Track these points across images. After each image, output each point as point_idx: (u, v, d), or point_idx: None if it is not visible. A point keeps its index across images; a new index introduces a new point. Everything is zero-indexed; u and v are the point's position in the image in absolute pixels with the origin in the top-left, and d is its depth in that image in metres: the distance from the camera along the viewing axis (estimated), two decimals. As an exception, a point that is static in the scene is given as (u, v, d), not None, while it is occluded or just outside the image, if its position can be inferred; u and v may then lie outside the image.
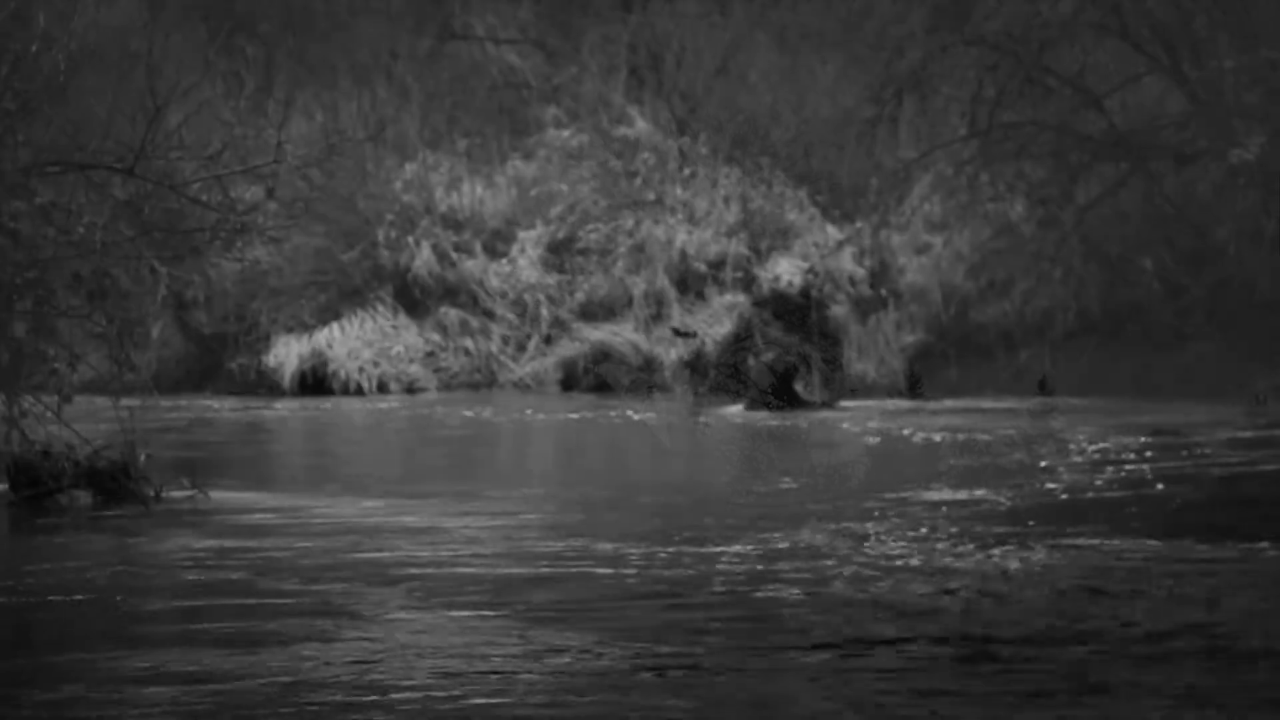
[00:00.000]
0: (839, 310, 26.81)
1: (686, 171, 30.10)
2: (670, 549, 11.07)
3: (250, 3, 35.04)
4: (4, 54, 13.87)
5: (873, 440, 19.32)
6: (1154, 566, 10.15)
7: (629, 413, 23.48)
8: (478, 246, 30.17)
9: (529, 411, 24.08)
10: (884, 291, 26.98)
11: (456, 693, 7.26)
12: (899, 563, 10.39)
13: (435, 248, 29.72)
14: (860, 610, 8.97)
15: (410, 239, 29.66)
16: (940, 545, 11.02)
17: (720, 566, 10.41)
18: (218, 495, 14.19)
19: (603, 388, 27.67)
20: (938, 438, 18.76)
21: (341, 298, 29.49)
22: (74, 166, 13.87)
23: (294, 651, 8.13)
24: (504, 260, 29.95)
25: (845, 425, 21.17)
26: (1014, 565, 10.24)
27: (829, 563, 10.42)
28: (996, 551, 10.73)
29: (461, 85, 34.28)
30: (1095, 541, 11.09)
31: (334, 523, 12.80)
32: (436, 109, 33.05)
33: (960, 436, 18.75)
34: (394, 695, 7.22)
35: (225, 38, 29.78)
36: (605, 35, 33.32)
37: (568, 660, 7.83)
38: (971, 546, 10.92)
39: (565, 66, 33.12)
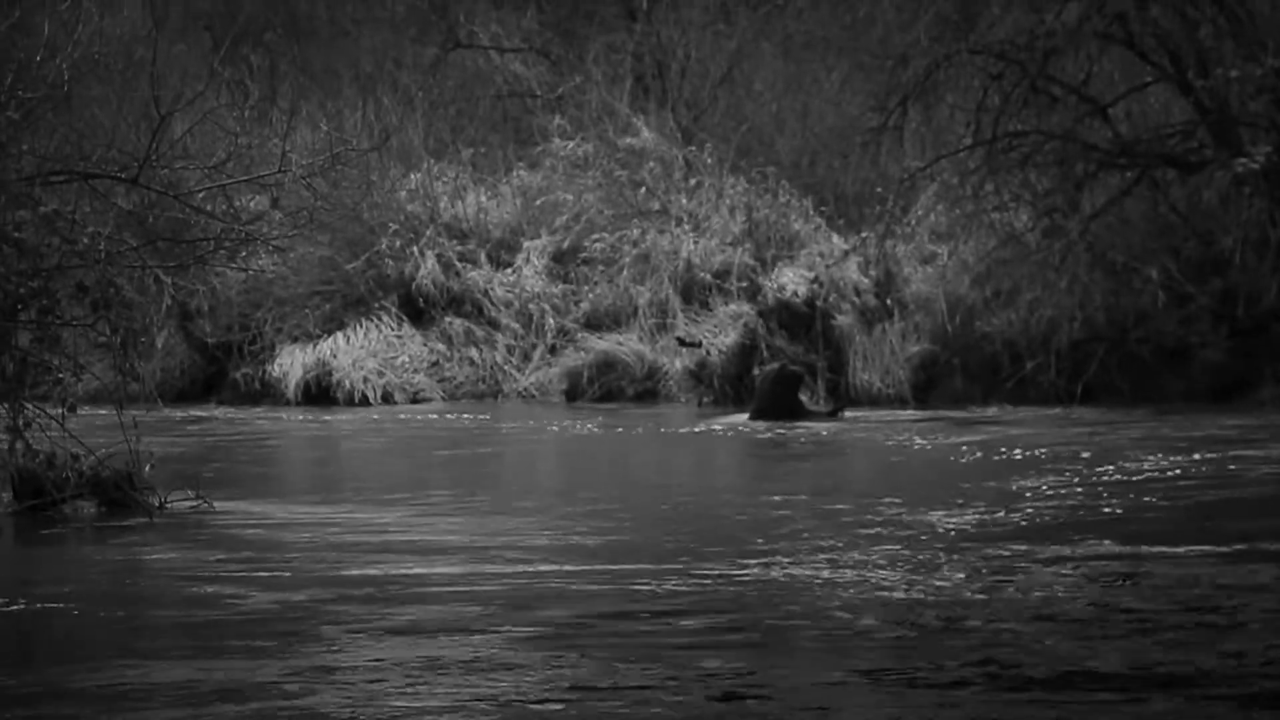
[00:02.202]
0: (844, 320, 26.77)
1: (692, 181, 30.06)
2: (701, 566, 10.83)
3: (254, 12, 35.05)
4: (7, 62, 13.85)
5: (887, 453, 19.19)
6: (1234, 596, 9.48)
7: (635, 424, 23.43)
8: (482, 256, 30.12)
9: (536, 422, 24.03)
10: (889, 301, 26.93)
11: (459, 717, 7.20)
12: (959, 589, 9.86)
13: (440, 257, 29.68)
14: (929, 639, 8.52)
15: (415, 249, 29.62)
16: (1000, 571, 10.43)
17: (760, 587, 10.08)
18: (222, 506, 14.16)
19: (608, 398, 27.61)
20: (952, 452, 18.59)
21: (346, 307, 29.45)
22: (78, 176, 13.85)
23: (297, 666, 8.08)
24: (509, 270, 29.91)
25: (854, 436, 21.11)
26: (1088, 590, 9.70)
27: (880, 587, 9.98)
28: (1054, 572, 10.23)
29: (466, 94, 34.27)
30: (1183, 570, 10.39)
31: (339, 535, 12.75)
32: (441, 118, 33.04)
33: (979, 451, 18.51)
34: (400, 717, 7.17)
35: (229, 47, 29.77)
36: (610, 44, 33.30)
37: (606, 688, 7.66)
38: (1027, 574, 10.31)
39: (570, 76, 33.10)
